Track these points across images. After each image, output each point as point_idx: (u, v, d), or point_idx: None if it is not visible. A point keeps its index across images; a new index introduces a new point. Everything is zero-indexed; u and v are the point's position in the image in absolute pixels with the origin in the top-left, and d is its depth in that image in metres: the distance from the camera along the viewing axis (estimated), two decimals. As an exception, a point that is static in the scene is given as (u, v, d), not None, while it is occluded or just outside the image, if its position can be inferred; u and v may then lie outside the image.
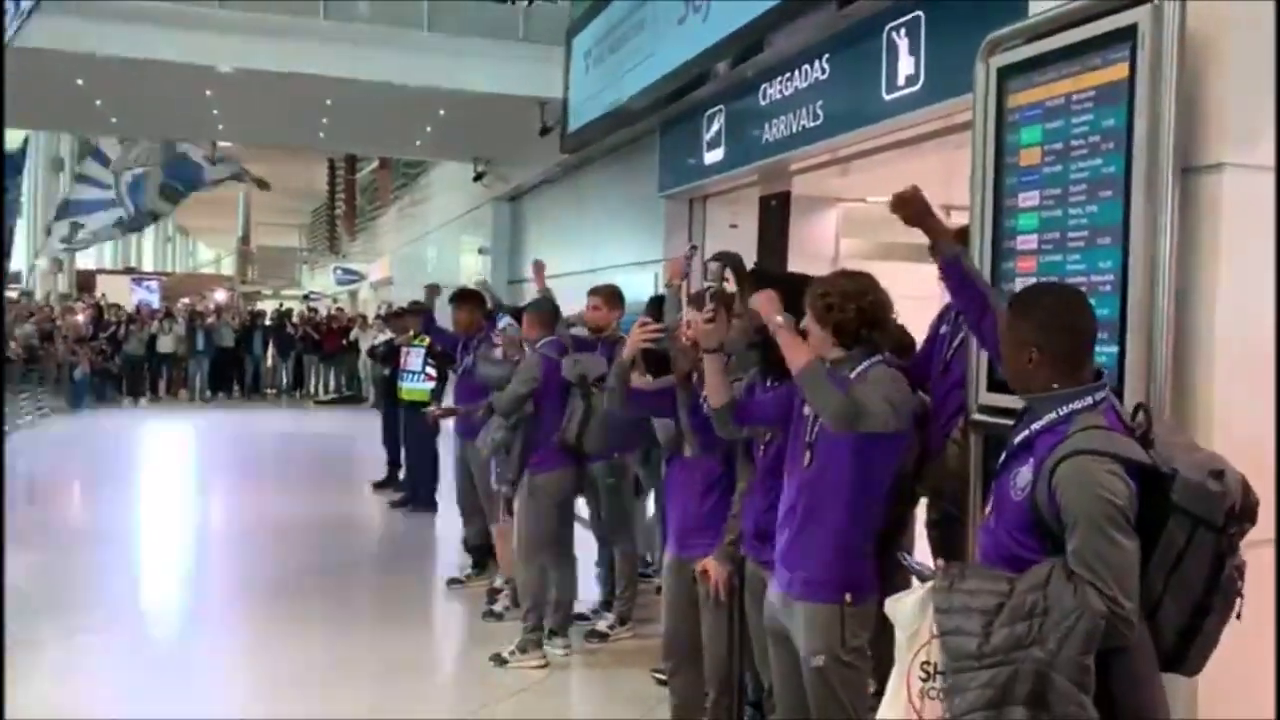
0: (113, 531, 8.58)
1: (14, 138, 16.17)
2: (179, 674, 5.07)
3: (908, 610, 2.12)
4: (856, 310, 2.77)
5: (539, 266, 6.49)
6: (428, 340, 8.84)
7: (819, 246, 6.57)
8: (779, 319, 2.78)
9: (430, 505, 8.94)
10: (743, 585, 3.37)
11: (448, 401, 8.07)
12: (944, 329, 3.38)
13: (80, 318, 18.46)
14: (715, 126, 6.73)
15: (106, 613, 6.07)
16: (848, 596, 2.78)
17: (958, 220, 3.56)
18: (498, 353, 5.73)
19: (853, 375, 2.76)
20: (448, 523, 7.72)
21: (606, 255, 9.01)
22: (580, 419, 4.90)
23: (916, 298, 3.98)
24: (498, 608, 5.83)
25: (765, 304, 2.81)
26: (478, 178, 13.06)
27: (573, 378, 4.92)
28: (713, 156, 6.76)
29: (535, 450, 5.04)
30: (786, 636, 2.90)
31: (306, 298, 28.69)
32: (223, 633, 5.83)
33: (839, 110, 5.22)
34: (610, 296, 5.45)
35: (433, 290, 7.91)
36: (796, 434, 2.89)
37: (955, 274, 2.84)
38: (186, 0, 8.63)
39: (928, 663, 2.09)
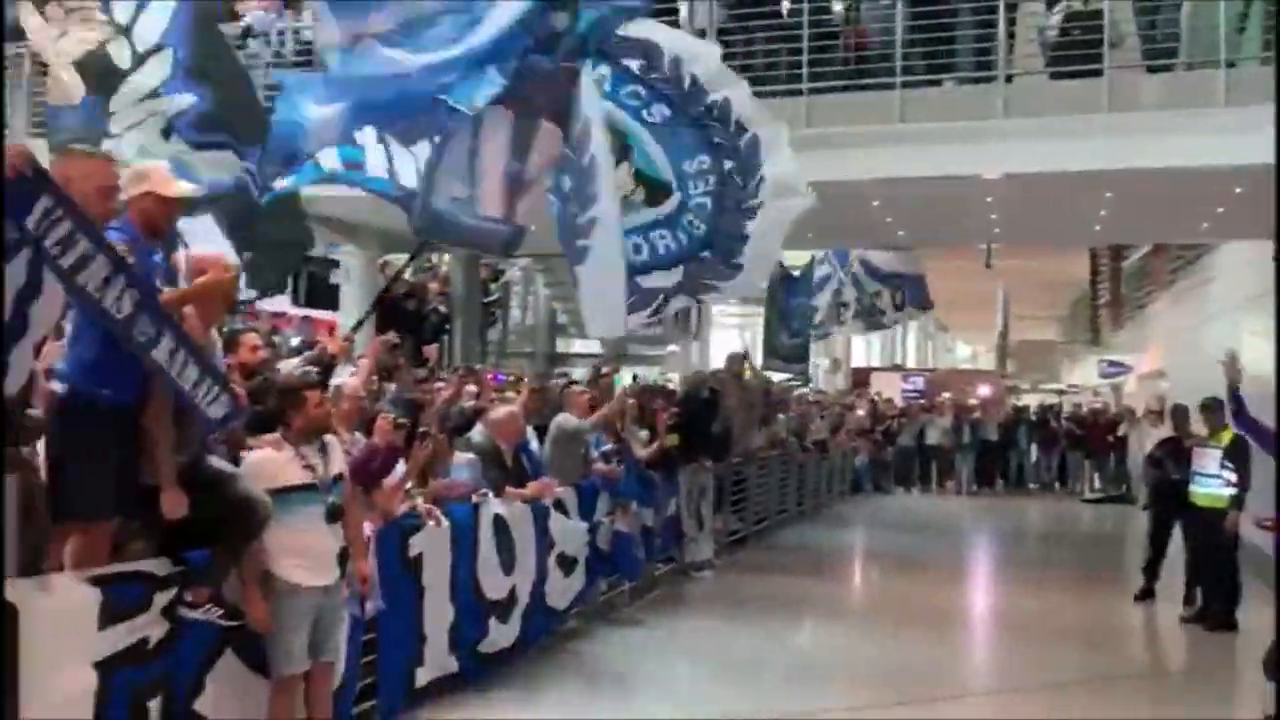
0: (882, 606, 9.26)
1: (799, 258, 18.40)
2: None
3: None
4: None
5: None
6: (1230, 437, 8.04)
7: None
8: None
9: (1229, 624, 8.03)
10: None
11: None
12: None
13: (860, 412, 20.37)
14: None
15: (859, 681, 6.51)
16: None
17: None
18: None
19: None
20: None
21: None
22: None
23: None
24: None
25: None
26: (1279, 256, 11.60)
27: None
28: None
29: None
30: None
31: (1063, 392, 28.02)
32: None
33: None
34: None
35: None
36: None
37: None
38: (966, 120, 9.21)
39: None
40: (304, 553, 4.22)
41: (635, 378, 11.23)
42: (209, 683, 4.08)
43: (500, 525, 6.40)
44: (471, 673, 6.05)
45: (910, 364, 41.58)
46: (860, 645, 7.74)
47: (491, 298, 17.35)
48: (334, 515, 4.35)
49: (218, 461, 4.10)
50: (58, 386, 3.59)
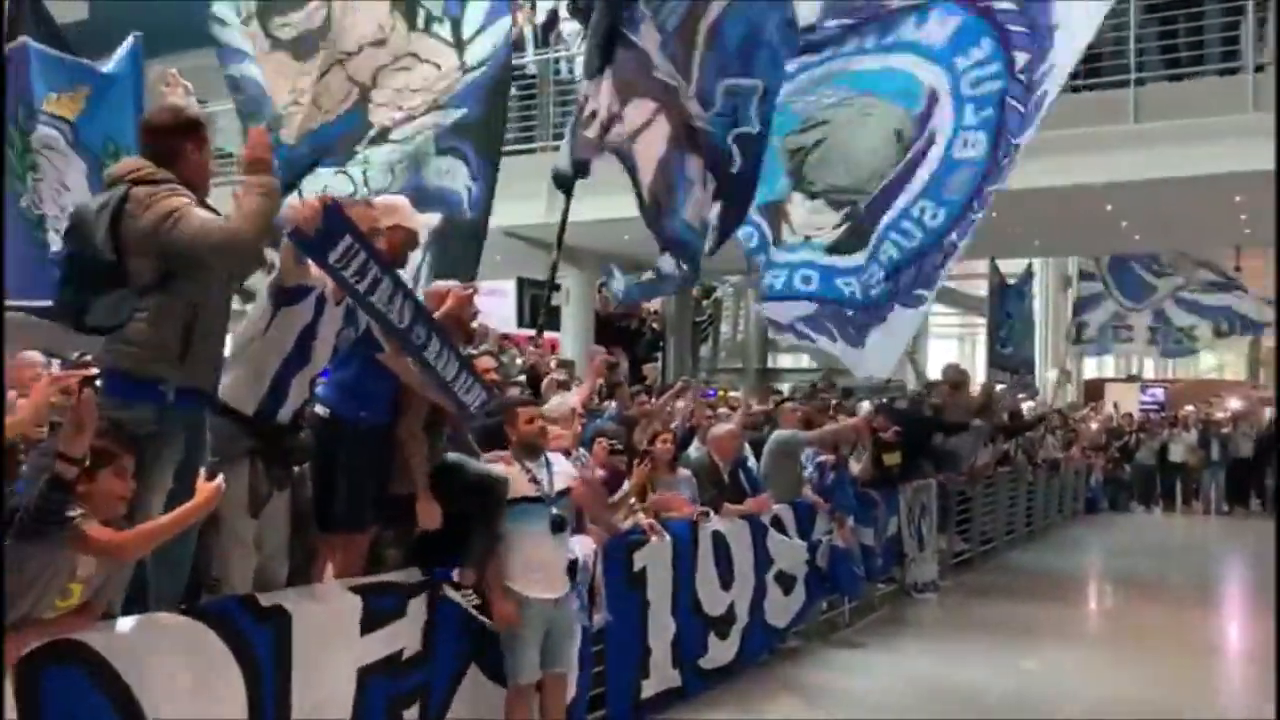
0: (1117, 633, 8.69)
1: (1018, 266, 17.75)
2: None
3: None
4: None
5: None
6: None
7: None
8: None
9: None
10: None
11: None
12: None
13: (1094, 426, 19.23)
14: None
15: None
16: None
17: None
18: None
19: None
20: None
21: None
22: None
23: None
24: None
25: None
26: None
27: None
28: None
29: None
30: None
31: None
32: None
33: None
34: None
35: None
36: None
37: None
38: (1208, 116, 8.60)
39: None
40: (534, 565, 4.43)
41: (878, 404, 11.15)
42: (455, 697, 4.36)
43: (719, 541, 6.49)
44: (693, 688, 6.15)
45: (1148, 375, 38.90)
46: (1092, 674, 7.33)
47: (703, 315, 17.56)
48: (559, 527, 4.54)
49: (451, 455, 4.40)
50: (321, 410, 3.97)
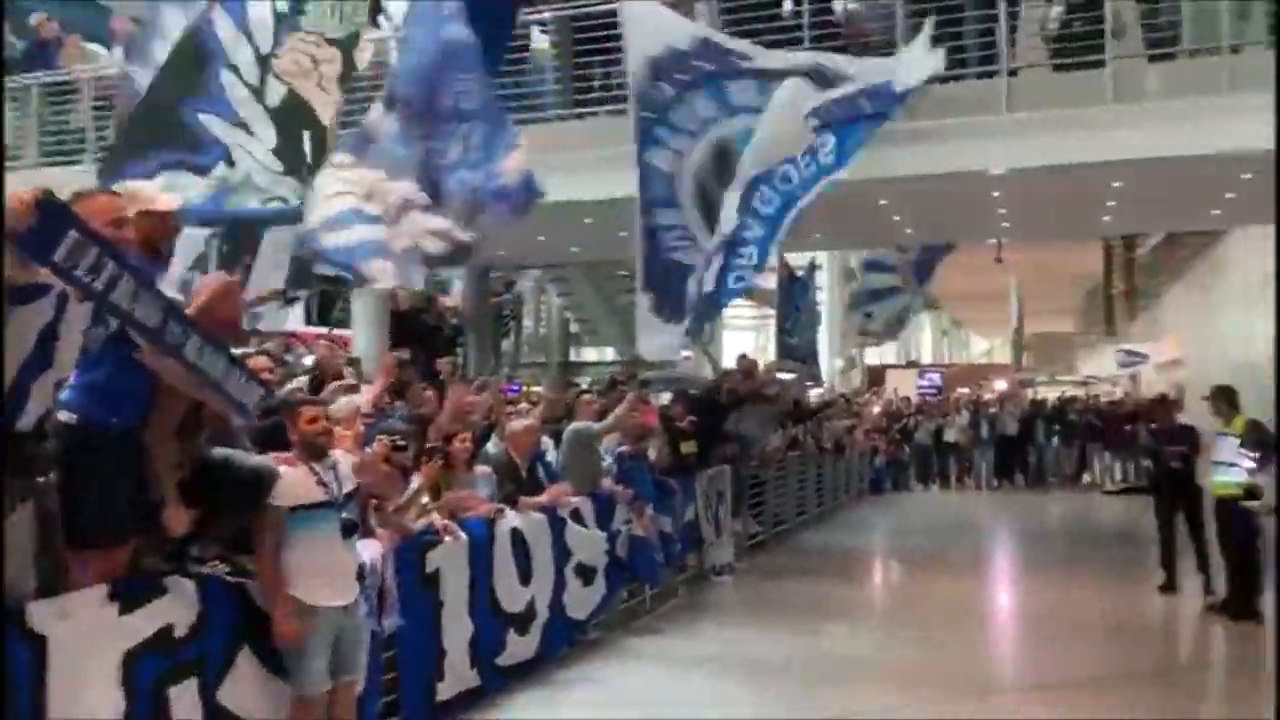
0: (904, 606, 9.22)
1: (803, 259, 18.56)
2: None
3: None
4: None
5: None
6: (1243, 424, 8.02)
7: None
8: None
9: (1252, 614, 7.98)
10: None
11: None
12: None
13: (876, 410, 20.32)
14: None
15: (892, 682, 6.53)
16: None
17: None
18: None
19: None
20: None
21: None
22: None
23: None
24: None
25: None
26: (1289, 240, 11.56)
27: None
28: None
29: None
30: None
31: (1085, 382, 27.87)
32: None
33: None
34: None
35: None
36: None
37: None
38: (969, 115, 9.18)
39: None
40: (323, 571, 4.25)
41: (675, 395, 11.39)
42: (235, 669, 4.16)
43: (517, 537, 6.43)
44: (493, 686, 6.07)
45: (926, 360, 41.48)
46: (883, 645, 7.73)
47: (504, 310, 17.43)
48: (349, 531, 4.38)
49: (223, 451, 4.18)
50: (67, 416, 3.65)
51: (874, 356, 34.77)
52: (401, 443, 5.14)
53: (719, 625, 8.37)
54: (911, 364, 37.56)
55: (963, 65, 9.74)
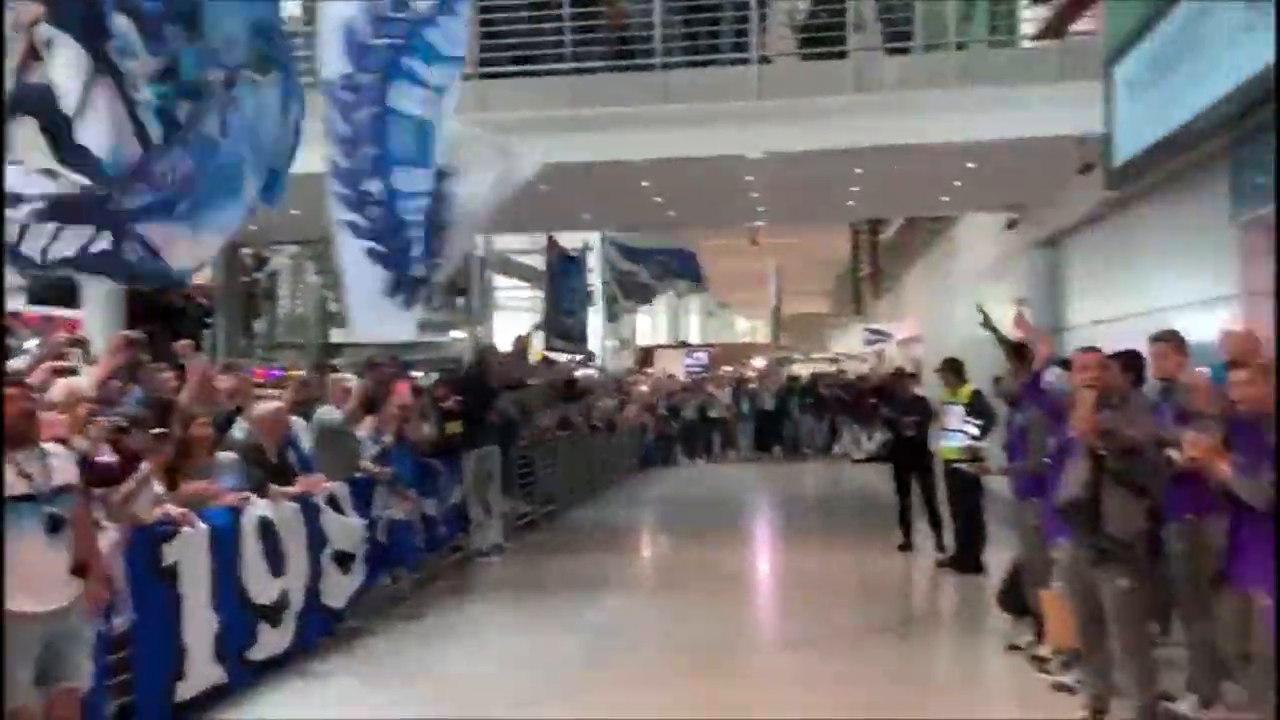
0: (673, 576, 9.51)
1: (575, 240, 18.72)
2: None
3: None
4: None
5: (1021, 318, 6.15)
6: (968, 394, 8.71)
7: None
8: None
9: (978, 567, 8.72)
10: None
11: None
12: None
13: (645, 388, 20.78)
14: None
15: (654, 651, 6.74)
16: None
17: None
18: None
19: None
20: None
21: (1165, 295, 8.21)
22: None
23: None
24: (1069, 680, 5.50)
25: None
26: (1010, 225, 12.64)
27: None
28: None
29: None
30: None
31: (835, 360, 29.55)
32: (767, 684, 6.18)
33: None
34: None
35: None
36: None
37: None
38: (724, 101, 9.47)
39: None
40: (24, 574, 3.84)
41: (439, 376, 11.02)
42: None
43: (266, 527, 6.12)
44: (241, 681, 5.76)
45: (694, 340, 42.73)
46: (655, 618, 7.90)
47: (256, 289, 16.54)
48: (55, 527, 3.98)
49: None
50: None
51: (645, 337, 35.55)
52: (123, 425, 4.72)
53: (481, 606, 8.33)
54: (682, 344, 38.64)
55: (716, 51, 10.05)
